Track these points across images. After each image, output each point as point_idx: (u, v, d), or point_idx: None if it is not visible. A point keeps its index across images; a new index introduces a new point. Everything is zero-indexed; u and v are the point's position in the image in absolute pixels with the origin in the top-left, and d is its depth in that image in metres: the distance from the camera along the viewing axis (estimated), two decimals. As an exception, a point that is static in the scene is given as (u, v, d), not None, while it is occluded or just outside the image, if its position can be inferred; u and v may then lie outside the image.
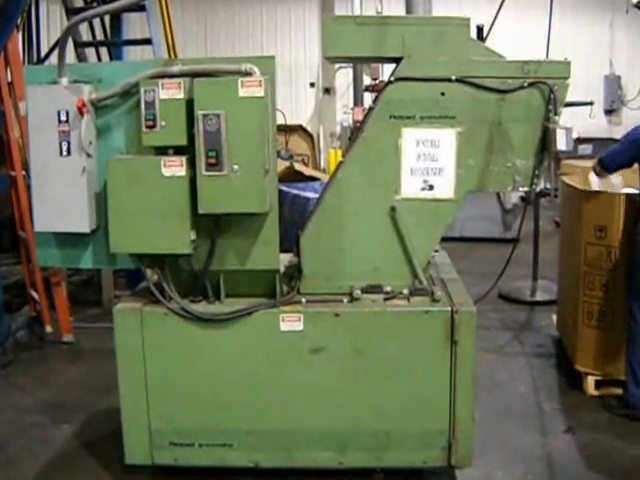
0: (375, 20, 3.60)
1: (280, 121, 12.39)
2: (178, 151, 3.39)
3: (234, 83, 3.27)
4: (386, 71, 3.87)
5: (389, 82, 3.57)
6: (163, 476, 3.86)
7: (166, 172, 3.35)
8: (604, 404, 4.74)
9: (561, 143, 3.55)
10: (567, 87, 3.55)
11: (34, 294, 6.36)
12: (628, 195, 4.79)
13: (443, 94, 3.53)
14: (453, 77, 3.50)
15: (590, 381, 4.90)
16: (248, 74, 3.32)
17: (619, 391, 4.76)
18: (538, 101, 3.54)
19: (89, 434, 4.48)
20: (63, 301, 6.30)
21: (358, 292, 3.64)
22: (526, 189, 3.65)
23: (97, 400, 4.89)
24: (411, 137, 3.57)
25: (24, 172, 5.94)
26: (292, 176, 7.86)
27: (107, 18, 8.31)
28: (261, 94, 3.27)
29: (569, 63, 3.55)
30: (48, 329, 6.30)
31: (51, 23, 11.91)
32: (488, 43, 3.92)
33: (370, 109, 3.64)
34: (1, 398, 5.13)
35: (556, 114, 3.51)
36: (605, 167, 4.87)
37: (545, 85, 3.50)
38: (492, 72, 3.52)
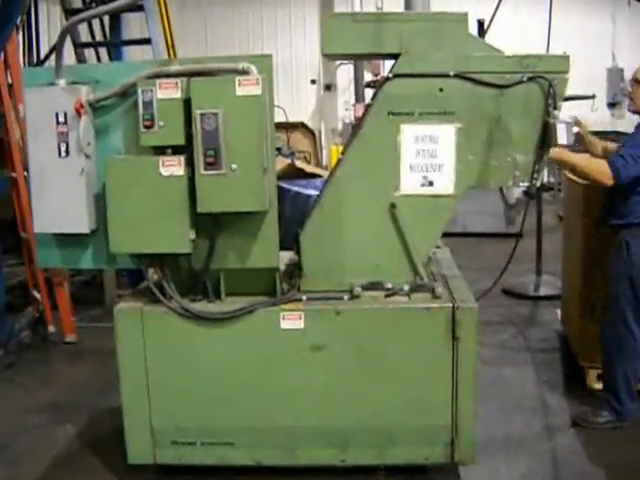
0: (373, 17, 3.58)
1: (281, 118, 12.38)
2: (176, 151, 3.38)
3: (231, 82, 3.27)
4: (387, 67, 3.85)
5: (387, 78, 3.56)
6: (166, 475, 3.86)
7: (164, 172, 3.35)
8: (582, 421, 4.40)
9: (562, 137, 3.54)
10: (566, 81, 3.53)
11: (37, 295, 6.35)
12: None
13: (441, 90, 3.52)
14: (451, 73, 3.49)
15: (592, 375, 4.88)
16: (245, 73, 3.31)
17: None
18: (537, 96, 3.52)
19: (92, 434, 4.48)
20: (65, 301, 6.31)
21: (359, 289, 3.63)
22: (526, 184, 3.64)
23: (100, 400, 4.89)
24: (410, 133, 3.56)
25: (26, 173, 5.94)
26: (293, 173, 7.83)
27: (106, 18, 8.30)
28: (258, 92, 3.27)
29: (568, 57, 3.54)
30: (51, 329, 6.30)
31: (51, 24, 11.88)
32: (488, 37, 3.91)
33: (369, 106, 3.63)
34: (5, 398, 5.14)
35: (555, 108, 3.50)
36: (620, 178, 3.97)
37: (544, 79, 3.48)
38: (490, 67, 3.51)
